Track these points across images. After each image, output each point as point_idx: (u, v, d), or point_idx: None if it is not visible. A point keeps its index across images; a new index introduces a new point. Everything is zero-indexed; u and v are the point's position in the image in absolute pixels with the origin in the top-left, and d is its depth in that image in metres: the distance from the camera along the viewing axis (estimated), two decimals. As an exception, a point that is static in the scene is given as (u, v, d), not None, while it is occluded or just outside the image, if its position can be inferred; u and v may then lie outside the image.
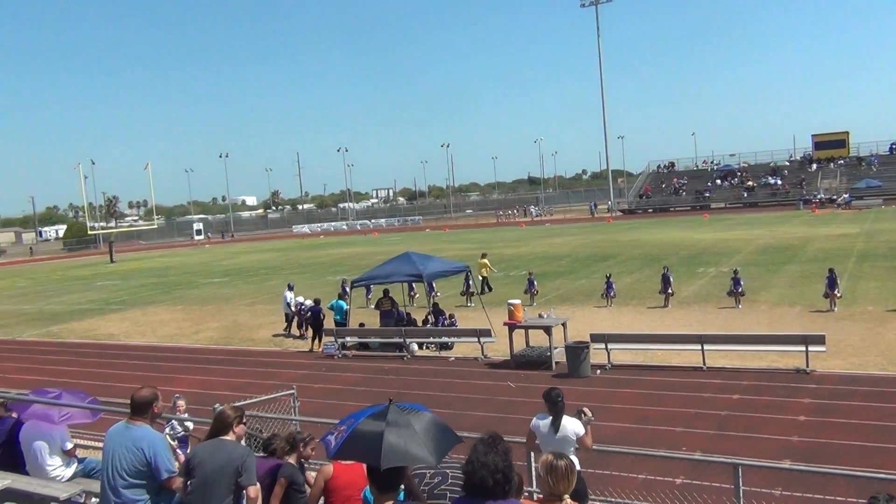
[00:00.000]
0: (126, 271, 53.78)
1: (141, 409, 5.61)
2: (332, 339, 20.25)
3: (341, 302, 22.11)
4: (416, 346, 19.49)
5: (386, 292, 22.07)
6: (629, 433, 11.71)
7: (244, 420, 5.70)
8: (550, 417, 6.98)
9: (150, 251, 79.65)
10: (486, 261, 29.63)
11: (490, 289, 28.12)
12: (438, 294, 27.05)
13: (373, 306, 24.79)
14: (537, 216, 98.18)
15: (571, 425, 6.97)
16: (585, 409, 7.16)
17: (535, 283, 26.71)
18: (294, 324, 22.88)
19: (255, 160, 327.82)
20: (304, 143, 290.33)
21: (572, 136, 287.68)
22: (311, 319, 21.48)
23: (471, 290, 26.26)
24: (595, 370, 15.95)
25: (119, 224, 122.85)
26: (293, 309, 23.11)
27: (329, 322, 21.49)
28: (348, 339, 20.56)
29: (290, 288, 24.50)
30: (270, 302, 30.93)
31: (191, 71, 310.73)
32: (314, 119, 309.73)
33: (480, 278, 28.41)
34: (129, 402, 5.70)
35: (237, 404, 7.14)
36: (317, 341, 20.95)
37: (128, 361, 21.11)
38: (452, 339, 19.67)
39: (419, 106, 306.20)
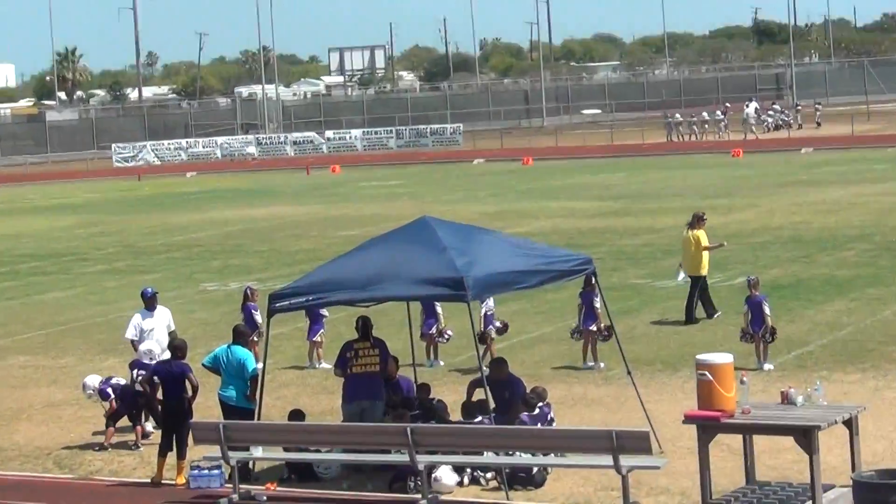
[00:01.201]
0: None
1: None
2: (217, 450, 20.25)
3: (240, 351, 22.29)
4: (446, 477, 19.61)
5: (363, 327, 22.24)
6: None
7: None
8: None
9: None
10: (700, 233, 33.07)
11: (713, 309, 32.21)
12: (499, 324, 27.34)
13: (325, 364, 25.61)
14: (775, 126, 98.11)
15: None
16: None
17: (769, 307, 26.71)
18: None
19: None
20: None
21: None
22: (154, 396, 21.98)
23: (597, 324, 26.50)
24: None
25: None
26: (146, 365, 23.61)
27: (206, 406, 21.87)
28: (259, 451, 20.67)
29: (150, 300, 25.62)
30: (50, 347, 31.57)
31: None
32: None
33: (682, 278, 31.76)
34: None
35: None
36: (174, 454, 21.14)
37: None
38: (544, 462, 19.78)
39: None
